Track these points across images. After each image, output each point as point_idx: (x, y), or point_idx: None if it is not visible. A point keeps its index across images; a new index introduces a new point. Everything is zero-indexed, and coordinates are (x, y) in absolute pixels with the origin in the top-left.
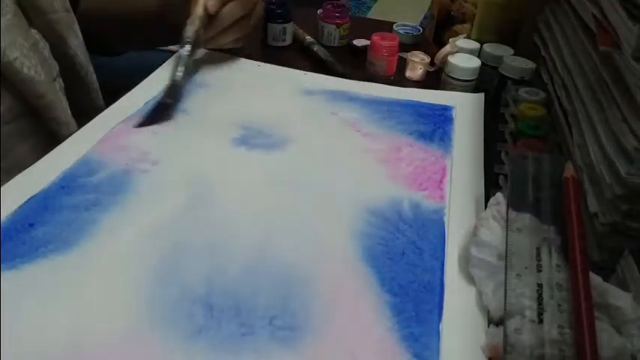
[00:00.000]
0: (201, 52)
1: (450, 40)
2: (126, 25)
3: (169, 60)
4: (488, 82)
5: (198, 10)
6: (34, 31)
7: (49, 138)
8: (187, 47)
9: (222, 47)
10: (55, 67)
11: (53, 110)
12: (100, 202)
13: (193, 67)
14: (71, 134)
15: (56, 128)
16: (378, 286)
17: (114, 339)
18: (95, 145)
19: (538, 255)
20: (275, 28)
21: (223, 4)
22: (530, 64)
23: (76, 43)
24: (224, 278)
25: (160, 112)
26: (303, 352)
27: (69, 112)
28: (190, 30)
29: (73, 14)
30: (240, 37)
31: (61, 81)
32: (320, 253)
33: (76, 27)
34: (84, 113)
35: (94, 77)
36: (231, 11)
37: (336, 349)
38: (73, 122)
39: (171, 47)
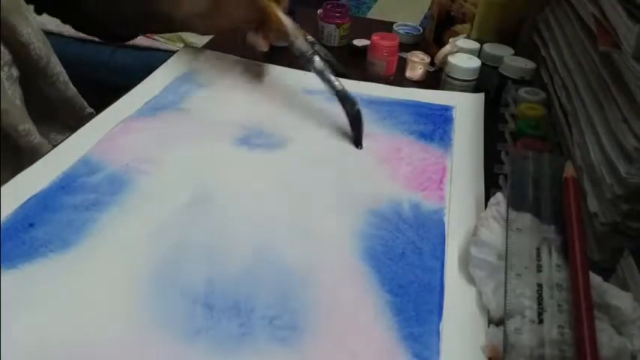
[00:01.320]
0: (207, 55)
1: (450, 40)
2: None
3: (172, 58)
4: (488, 82)
5: (284, 20)
6: None
7: None
8: (316, 58)
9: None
10: (5, 56)
11: None
12: (100, 202)
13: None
14: (16, 125)
15: None
16: (378, 286)
17: (114, 339)
18: (95, 145)
19: (538, 255)
20: None
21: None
22: (530, 64)
23: (28, 30)
24: (224, 278)
25: (358, 121)
26: (303, 352)
27: (16, 102)
28: (303, 44)
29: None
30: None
31: (13, 70)
32: (320, 253)
33: (29, 14)
34: (50, 104)
35: (58, 67)
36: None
37: (336, 349)
38: (19, 112)
39: (171, 47)
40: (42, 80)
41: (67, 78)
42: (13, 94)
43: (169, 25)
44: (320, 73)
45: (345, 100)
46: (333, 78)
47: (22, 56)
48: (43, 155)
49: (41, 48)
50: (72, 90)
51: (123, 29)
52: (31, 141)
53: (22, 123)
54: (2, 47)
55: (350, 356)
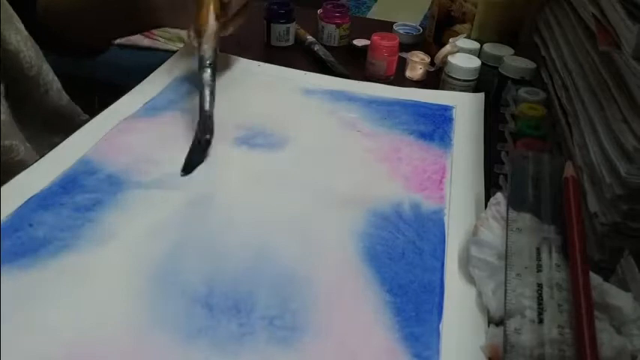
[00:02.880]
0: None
1: (450, 40)
2: (85, 18)
3: (172, 58)
4: (488, 82)
5: (211, 22)
6: None
7: None
8: (209, 71)
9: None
10: None
11: None
12: (100, 202)
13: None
14: None
15: None
16: (378, 286)
17: (114, 339)
18: (95, 145)
19: (538, 255)
20: (278, 28)
21: None
22: (530, 64)
23: (18, 38)
24: (224, 278)
25: (200, 149)
26: (303, 352)
27: (1, 116)
28: (209, 50)
29: (10, 8)
30: (241, 25)
31: None
32: (320, 253)
33: (17, 21)
34: (44, 115)
35: (51, 76)
36: None
37: (336, 349)
38: (3, 128)
39: (171, 47)
40: (34, 90)
41: (60, 86)
42: None
43: (139, 20)
44: (201, 86)
45: (204, 123)
46: (209, 98)
47: (10, 66)
48: None
49: (32, 57)
50: (65, 98)
51: (89, 39)
52: (13, 158)
53: (6, 138)
54: None
55: (350, 356)
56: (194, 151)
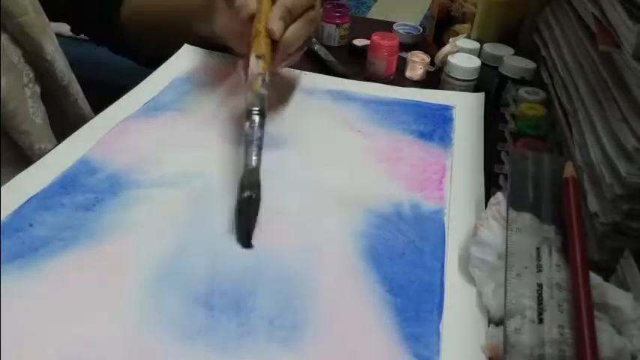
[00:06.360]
0: (207, 55)
1: (450, 40)
2: (165, 29)
3: (172, 58)
4: (488, 82)
5: (258, 66)
6: (3, 37)
7: (14, 147)
8: (257, 119)
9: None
10: (29, 74)
11: (14, 118)
12: (100, 202)
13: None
14: (32, 144)
15: (16, 137)
16: (378, 286)
17: (114, 339)
18: (95, 145)
19: (538, 255)
20: None
21: (287, 26)
22: (530, 64)
23: (52, 48)
24: (224, 278)
25: (245, 209)
26: (303, 352)
27: (37, 120)
28: (257, 100)
29: (45, 17)
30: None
31: (36, 87)
32: (320, 253)
33: (51, 31)
34: (70, 123)
35: (77, 86)
36: (297, 34)
37: (336, 349)
38: (38, 131)
39: None
40: (64, 99)
41: (83, 95)
42: (35, 113)
43: (211, 43)
44: (246, 139)
45: (243, 179)
46: (254, 151)
47: (45, 74)
48: None
49: (63, 68)
50: (88, 107)
51: (162, 52)
52: None
53: (39, 142)
54: (27, 65)
55: (350, 356)
56: (240, 215)
